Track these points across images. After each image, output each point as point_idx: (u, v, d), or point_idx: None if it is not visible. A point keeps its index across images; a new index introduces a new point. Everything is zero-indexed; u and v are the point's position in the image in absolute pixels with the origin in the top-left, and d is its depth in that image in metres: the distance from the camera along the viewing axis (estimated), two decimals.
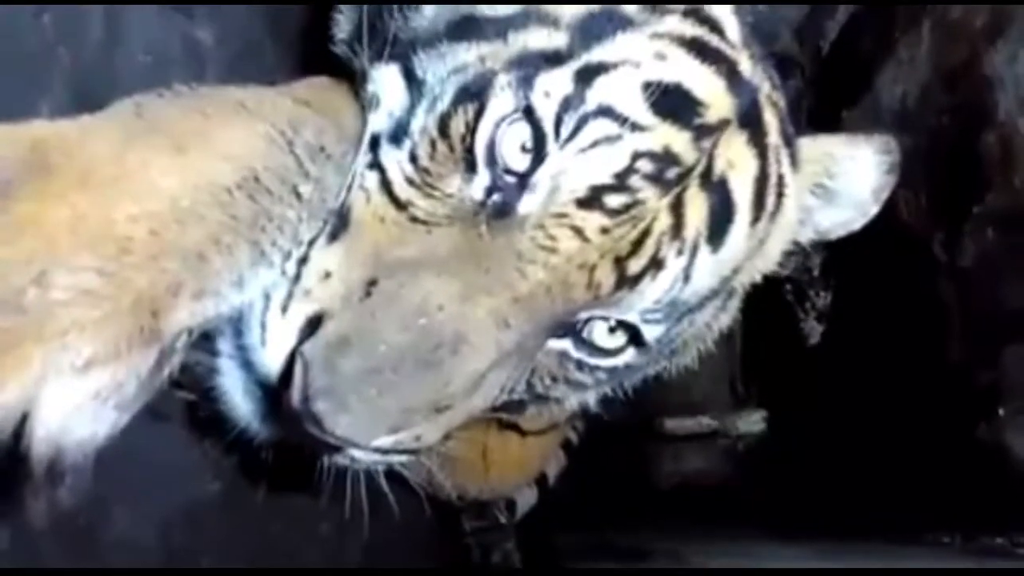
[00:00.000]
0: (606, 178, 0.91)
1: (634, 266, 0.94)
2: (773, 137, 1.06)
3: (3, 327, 0.63)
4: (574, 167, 0.91)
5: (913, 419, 2.19)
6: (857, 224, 1.27)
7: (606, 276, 0.93)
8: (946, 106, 2.21)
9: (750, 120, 1.02)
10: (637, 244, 0.94)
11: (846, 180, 1.22)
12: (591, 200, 0.91)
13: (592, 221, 0.91)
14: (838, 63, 2.80)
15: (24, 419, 0.66)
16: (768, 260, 1.17)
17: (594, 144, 0.91)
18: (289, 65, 1.19)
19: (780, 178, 1.07)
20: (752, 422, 3.12)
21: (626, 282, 0.95)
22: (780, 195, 1.07)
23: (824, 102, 2.74)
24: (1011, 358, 1.92)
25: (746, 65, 1.03)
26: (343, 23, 1.13)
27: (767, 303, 2.74)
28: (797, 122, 1.18)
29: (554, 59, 0.94)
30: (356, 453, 0.92)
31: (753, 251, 1.07)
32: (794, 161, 1.11)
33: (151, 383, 0.73)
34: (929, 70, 2.31)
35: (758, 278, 1.19)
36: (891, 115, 2.42)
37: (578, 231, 0.91)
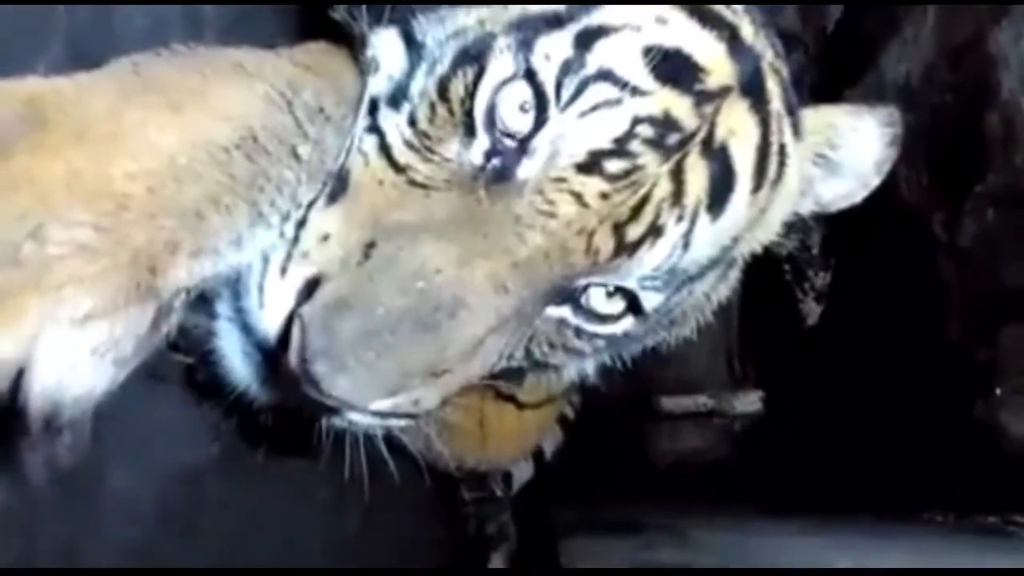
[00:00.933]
0: (606, 143, 0.91)
1: (633, 232, 0.94)
2: (775, 105, 1.05)
3: (0, 280, 0.63)
4: (574, 131, 0.91)
5: (910, 398, 2.20)
6: (858, 196, 1.27)
7: (605, 242, 0.93)
8: (949, 84, 2.20)
9: (752, 87, 1.01)
10: (636, 210, 0.93)
11: (848, 151, 1.21)
12: (591, 165, 0.91)
13: (591, 186, 0.91)
14: (842, 41, 2.79)
15: (21, 373, 0.66)
16: (769, 230, 1.17)
17: (594, 108, 0.91)
18: (288, 29, 1.18)
19: (782, 147, 1.06)
20: (749, 402, 3.14)
21: (625, 248, 0.94)
22: (782, 164, 1.07)
23: (828, 80, 2.73)
24: (1009, 337, 1.93)
25: (748, 31, 1.02)
26: None
27: (766, 283, 2.77)
28: (801, 99, 1.17)
29: (554, 22, 0.93)
30: (354, 416, 0.92)
31: (754, 220, 1.07)
32: (796, 130, 1.10)
33: (149, 340, 0.73)
34: (933, 48, 2.31)
35: (758, 248, 1.19)
36: (894, 93, 2.41)
37: (577, 196, 0.91)
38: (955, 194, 2.11)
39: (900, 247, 2.31)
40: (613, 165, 0.91)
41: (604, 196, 0.91)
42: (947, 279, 2.14)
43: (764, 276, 2.70)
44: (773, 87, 1.05)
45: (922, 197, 2.22)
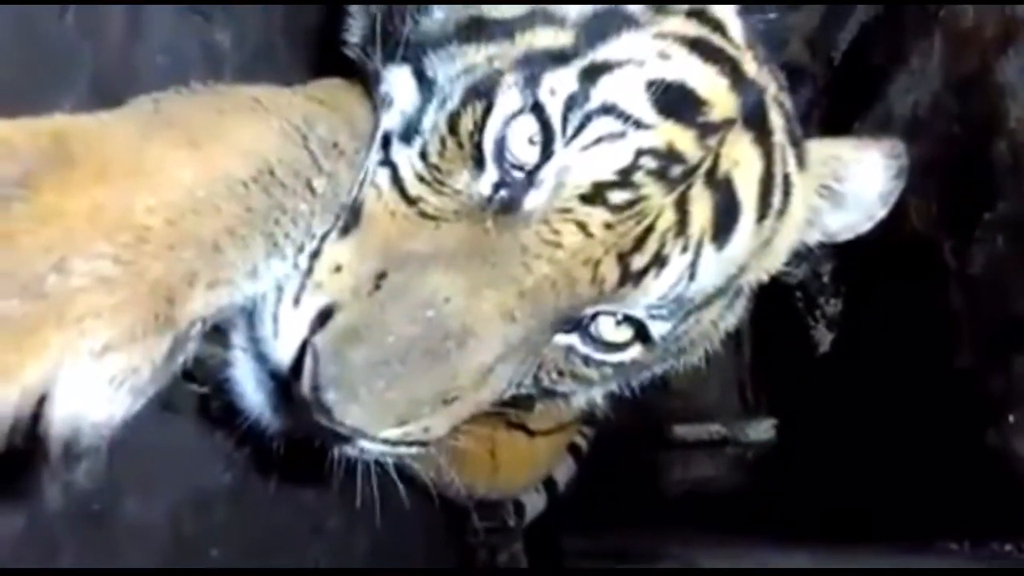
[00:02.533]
0: (610, 175, 0.93)
1: (638, 262, 0.95)
2: (779, 136, 1.07)
3: (24, 312, 0.65)
4: (578, 163, 0.93)
5: (922, 426, 2.19)
6: (864, 227, 1.27)
7: (610, 271, 0.95)
8: (957, 114, 2.21)
9: (755, 119, 1.03)
10: (640, 240, 0.95)
11: (853, 184, 1.22)
12: (594, 196, 0.93)
13: (596, 216, 0.93)
14: (850, 73, 2.81)
15: (42, 401, 0.67)
16: (775, 260, 1.18)
17: (598, 141, 0.93)
18: (303, 67, 1.21)
19: (786, 177, 1.08)
20: (762, 430, 3.12)
21: (630, 278, 0.96)
22: (786, 194, 1.08)
23: (836, 112, 2.75)
24: (1020, 365, 1.92)
25: (750, 65, 1.04)
26: (355, 26, 1.15)
27: (777, 311, 2.77)
28: (810, 131, 1.18)
29: (560, 58, 0.95)
30: (365, 444, 0.93)
31: (759, 250, 1.08)
32: (800, 161, 1.12)
33: (165, 369, 0.75)
34: (941, 79, 2.32)
35: (765, 278, 1.20)
36: (903, 124, 2.43)
37: (582, 226, 0.92)
38: (964, 222, 2.12)
39: (911, 275, 2.31)
40: (617, 196, 0.93)
41: (609, 226, 0.93)
42: (958, 307, 2.14)
43: (776, 304, 2.71)
44: (776, 119, 1.07)
45: (932, 226, 2.23)
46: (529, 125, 0.94)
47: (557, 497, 2.22)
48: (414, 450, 0.99)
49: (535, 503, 2.16)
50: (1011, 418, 1.91)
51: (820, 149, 1.19)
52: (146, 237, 0.72)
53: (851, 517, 2.31)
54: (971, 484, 1.97)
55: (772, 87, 1.09)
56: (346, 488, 1.05)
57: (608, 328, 1.03)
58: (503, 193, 0.94)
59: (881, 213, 1.26)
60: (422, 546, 1.76)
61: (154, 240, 0.72)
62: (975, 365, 2.05)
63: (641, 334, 1.05)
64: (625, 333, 1.04)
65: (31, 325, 0.65)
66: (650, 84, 0.94)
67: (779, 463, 2.99)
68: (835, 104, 2.78)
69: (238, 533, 1.16)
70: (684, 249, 0.97)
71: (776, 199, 1.06)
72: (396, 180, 0.97)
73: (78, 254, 0.68)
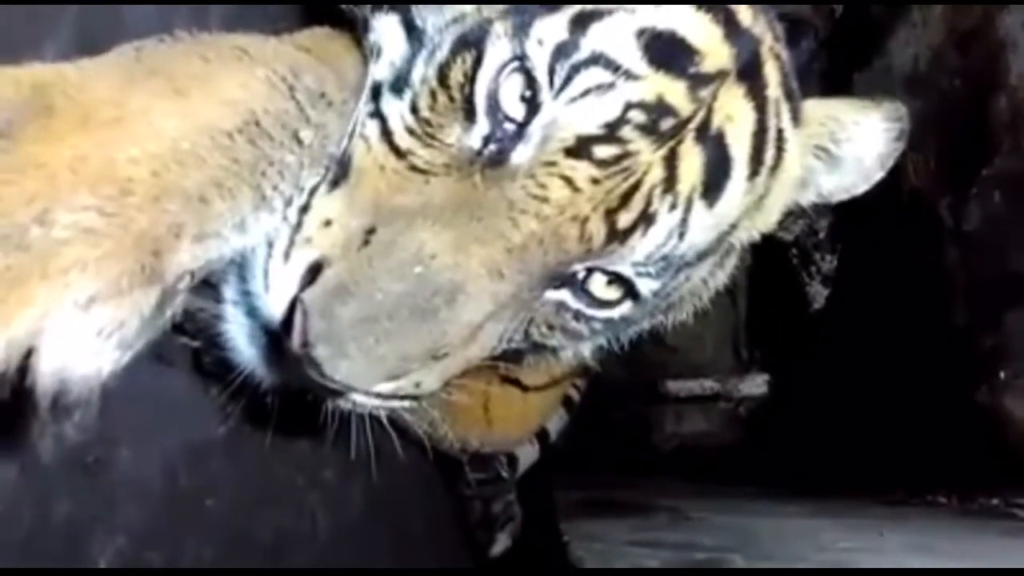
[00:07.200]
0: (595, 128, 0.91)
1: (624, 219, 0.94)
2: (773, 90, 1.04)
3: (7, 264, 0.64)
4: (565, 117, 0.91)
5: (914, 382, 2.20)
6: (860, 189, 1.25)
7: (597, 229, 0.93)
8: (957, 69, 2.19)
9: (749, 72, 1.00)
10: (627, 197, 0.93)
11: (851, 146, 1.20)
12: (579, 149, 0.91)
13: (581, 171, 0.91)
14: (851, 25, 2.76)
15: (28, 355, 0.67)
16: (768, 218, 1.16)
17: (585, 93, 0.91)
18: (291, 16, 1.19)
19: (780, 132, 1.06)
20: (755, 385, 3.14)
21: (616, 235, 0.95)
22: (780, 150, 1.06)
23: (836, 64, 2.72)
24: (1013, 321, 1.93)
25: (746, 15, 1.01)
26: None
27: (773, 267, 2.77)
28: (809, 84, 1.15)
29: (551, 5, 0.93)
30: (357, 397, 0.94)
31: (751, 207, 1.07)
32: (795, 116, 1.10)
33: (153, 322, 0.74)
34: (942, 33, 2.29)
35: (757, 236, 1.19)
36: (902, 78, 2.40)
37: (568, 180, 0.91)
38: (962, 178, 2.11)
39: (906, 231, 2.30)
40: (603, 151, 0.91)
41: (595, 181, 0.91)
42: (952, 264, 2.14)
43: (771, 259, 2.71)
44: (771, 72, 1.04)
45: (929, 181, 2.22)
46: (518, 78, 0.92)
47: (549, 448, 2.24)
48: (407, 404, 1.00)
49: (528, 455, 2.18)
50: (1002, 374, 1.93)
51: (818, 109, 1.17)
52: (130, 189, 0.71)
53: (841, 470, 2.34)
54: (961, 439, 1.99)
55: (768, 38, 1.06)
56: (341, 441, 1.06)
57: (599, 285, 1.03)
58: (492, 147, 0.92)
59: (878, 176, 1.24)
60: (417, 497, 1.78)
61: (138, 192, 0.71)
62: (968, 321, 2.06)
63: (630, 292, 1.04)
64: (616, 292, 1.04)
65: (15, 277, 0.65)
66: (640, 32, 0.92)
67: (771, 417, 3.02)
68: (835, 57, 2.74)
69: (233, 484, 1.17)
70: (673, 207, 0.96)
71: (769, 155, 1.05)
72: (386, 133, 0.96)
73: (61, 205, 0.67)
